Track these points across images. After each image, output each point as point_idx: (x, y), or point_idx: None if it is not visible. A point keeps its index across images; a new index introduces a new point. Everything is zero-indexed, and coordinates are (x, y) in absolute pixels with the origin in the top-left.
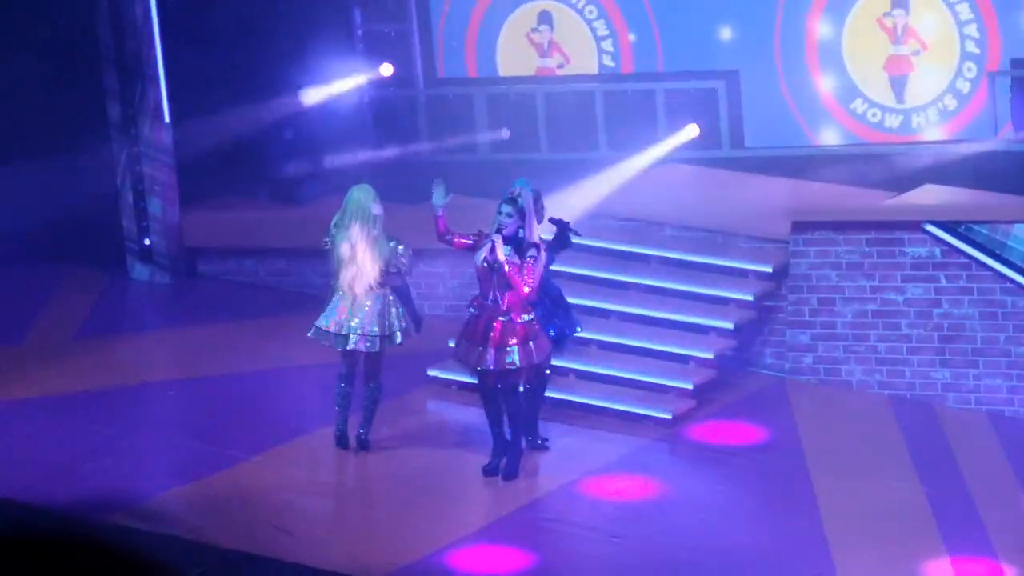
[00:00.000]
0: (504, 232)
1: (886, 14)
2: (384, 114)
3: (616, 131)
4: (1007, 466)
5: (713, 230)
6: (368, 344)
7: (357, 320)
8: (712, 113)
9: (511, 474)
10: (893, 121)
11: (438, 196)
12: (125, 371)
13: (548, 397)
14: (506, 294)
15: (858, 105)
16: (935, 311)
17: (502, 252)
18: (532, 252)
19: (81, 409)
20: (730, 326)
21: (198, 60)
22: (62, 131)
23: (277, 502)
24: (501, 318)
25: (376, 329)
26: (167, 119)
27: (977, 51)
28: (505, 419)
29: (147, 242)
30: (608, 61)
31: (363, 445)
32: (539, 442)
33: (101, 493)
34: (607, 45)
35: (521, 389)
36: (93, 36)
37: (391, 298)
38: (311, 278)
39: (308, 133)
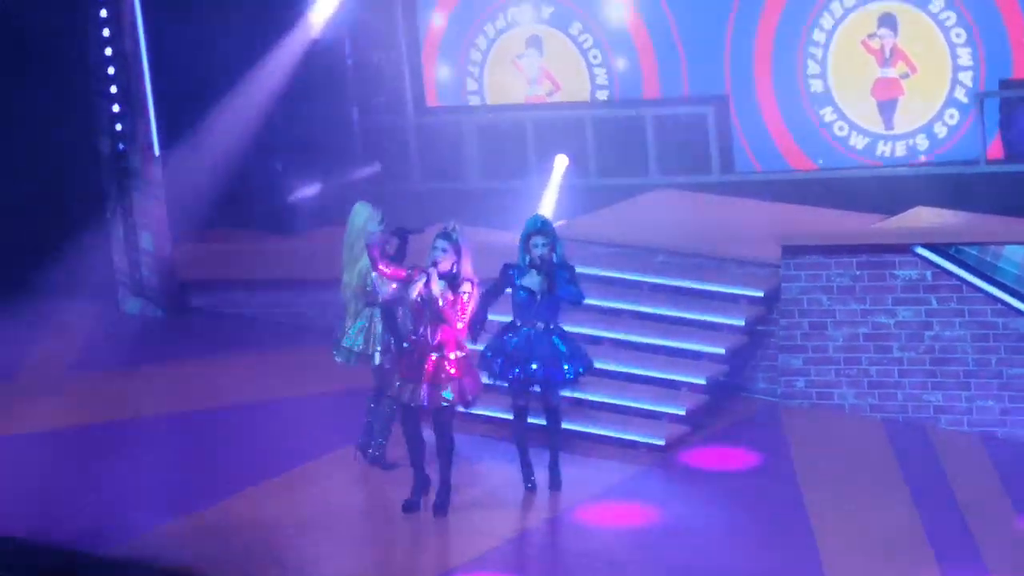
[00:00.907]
0: (439, 267)
1: (871, 36)
2: (374, 142)
3: (607, 158)
4: (1000, 488)
5: (704, 255)
6: (345, 359)
7: (349, 335)
8: (702, 139)
9: (441, 510)
10: (882, 144)
11: (372, 225)
12: (118, 405)
13: (540, 424)
14: (439, 329)
15: (846, 129)
16: (926, 333)
17: (437, 287)
18: (466, 287)
19: (75, 443)
20: (722, 351)
21: (189, 93)
22: (52, 165)
23: (270, 535)
24: (434, 354)
25: (359, 346)
26: (157, 152)
27: (968, 72)
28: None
29: (138, 276)
30: (601, 87)
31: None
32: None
33: (95, 527)
34: (599, 72)
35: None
36: (85, 70)
37: (375, 318)
38: (303, 308)
39: (298, 163)
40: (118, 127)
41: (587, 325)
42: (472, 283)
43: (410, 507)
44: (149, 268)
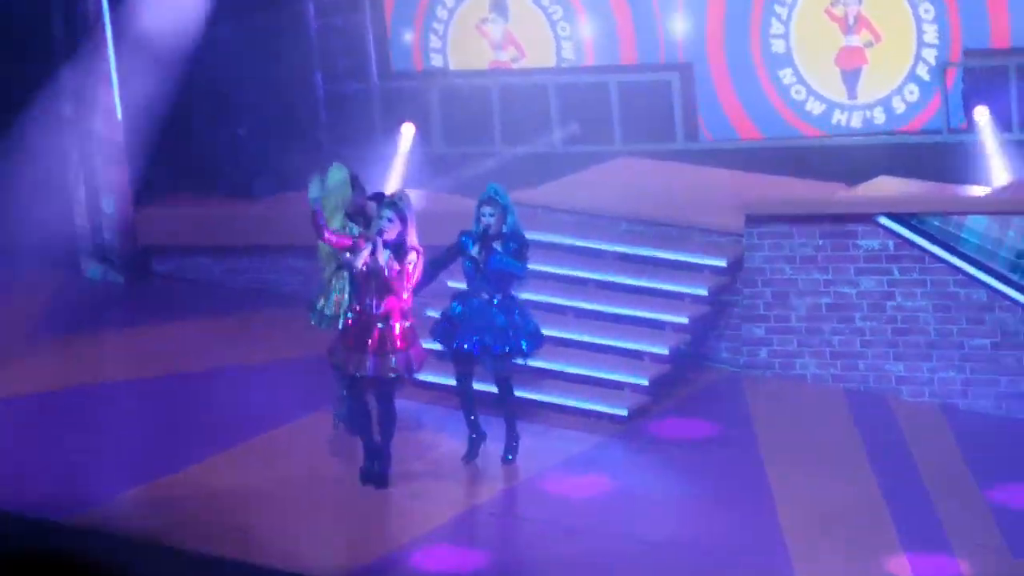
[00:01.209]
0: (384, 236)
1: (834, 3)
2: (337, 107)
3: (571, 125)
4: (961, 459)
5: (667, 224)
6: (317, 323)
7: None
8: (666, 106)
9: (382, 481)
10: (846, 113)
11: (314, 190)
12: (79, 371)
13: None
14: (385, 299)
15: (810, 98)
16: (888, 304)
17: (382, 256)
18: (412, 257)
19: (35, 411)
20: (685, 320)
21: (151, 56)
22: (13, 128)
23: (235, 502)
24: (379, 324)
25: (331, 310)
26: (119, 116)
27: (934, 41)
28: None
29: (100, 240)
30: (567, 53)
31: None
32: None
33: (58, 495)
34: (564, 36)
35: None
36: (45, 33)
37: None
38: (268, 274)
39: (262, 128)
40: (80, 91)
41: (549, 293)
42: (418, 252)
43: (367, 476)
44: (111, 232)
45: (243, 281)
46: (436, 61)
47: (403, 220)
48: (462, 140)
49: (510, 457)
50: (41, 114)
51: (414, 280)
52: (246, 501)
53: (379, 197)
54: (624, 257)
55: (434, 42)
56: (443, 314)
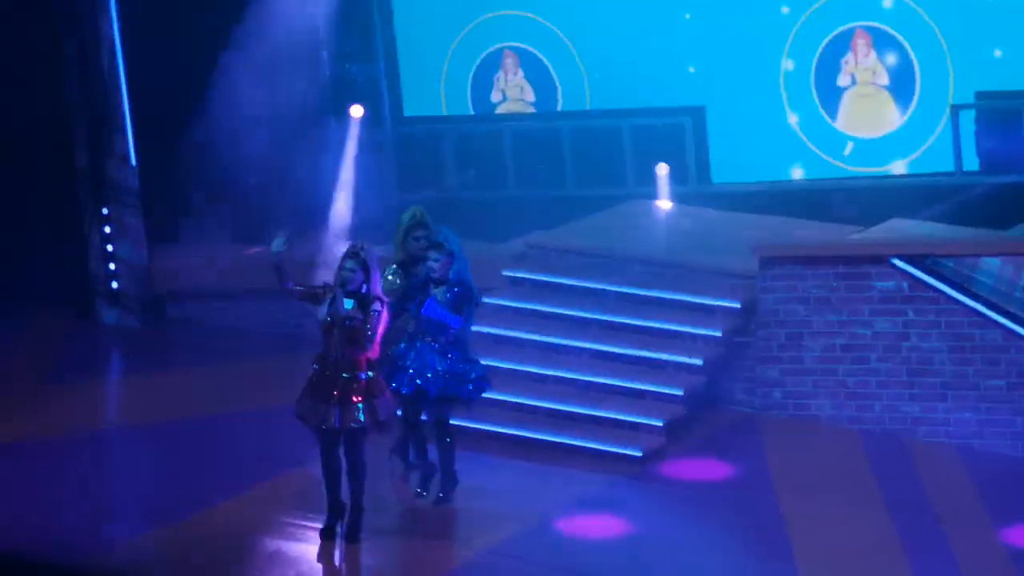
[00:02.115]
0: (348, 286)
1: (850, 50)
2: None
3: (584, 168)
4: (977, 500)
5: (681, 265)
6: None
7: None
8: (679, 149)
9: (354, 537)
10: (858, 157)
11: (277, 244)
12: (96, 415)
13: (518, 435)
14: (349, 350)
15: (823, 141)
16: (903, 345)
17: (345, 307)
18: (376, 307)
19: (52, 454)
20: (699, 362)
21: (166, 105)
22: (28, 176)
23: (248, 545)
24: (344, 375)
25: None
26: (133, 163)
27: (941, 85)
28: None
29: (115, 286)
30: (578, 97)
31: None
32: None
33: (73, 538)
34: (576, 80)
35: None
36: (59, 81)
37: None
38: (281, 319)
39: (275, 175)
40: (94, 138)
41: (564, 335)
42: (382, 301)
43: (328, 533)
44: (125, 278)
45: (258, 326)
46: (449, 107)
47: (366, 270)
48: (475, 184)
49: (442, 495)
50: (56, 162)
51: (379, 330)
52: (257, 545)
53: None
54: (638, 299)
55: (447, 88)
56: (391, 353)
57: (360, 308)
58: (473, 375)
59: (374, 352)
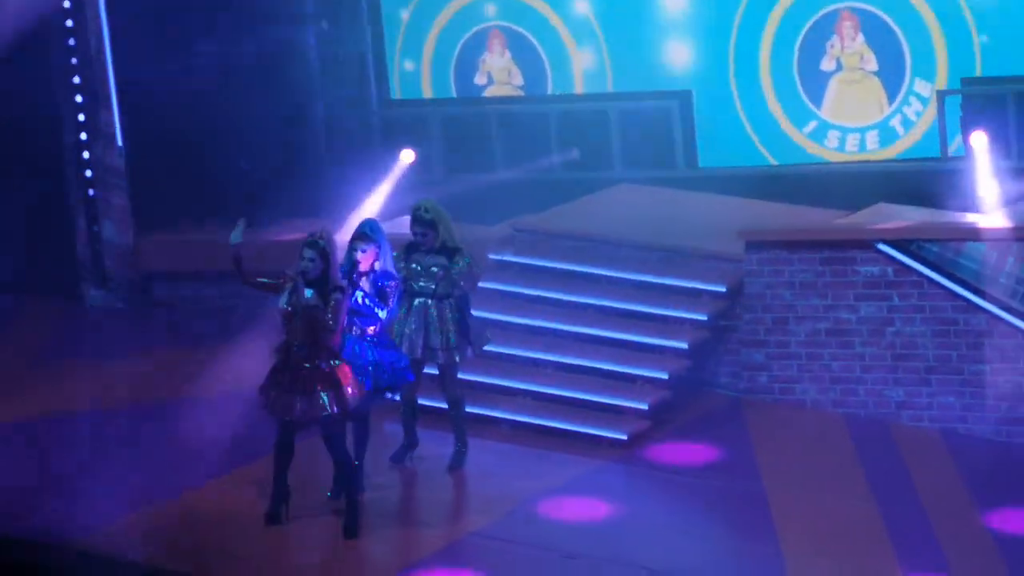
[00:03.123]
0: (308, 275)
1: (835, 33)
2: (338, 136)
3: (571, 151)
4: (961, 484)
5: (668, 250)
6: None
7: None
8: (666, 133)
9: (351, 532)
10: (844, 141)
11: (235, 235)
12: (80, 397)
13: (502, 418)
14: (311, 339)
15: (810, 125)
16: (888, 329)
17: (305, 296)
18: (337, 295)
19: (37, 436)
20: (685, 346)
21: (153, 85)
22: (14, 156)
23: (231, 527)
24: (306, 364)
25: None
26: (120, 143)
27: (933, 69)
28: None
29: (101, 267)
30: (567, 81)
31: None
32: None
33: (56, 519)
34: (564, 64)
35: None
36: (46, 60)
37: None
38: (267, 302)
39: (264, 156)
40: (81, 118)
41: (550, 319)
42: (342, 291)
43: (272, 519)
44: (112, 259)
45: (244, 307)
46: (436, 90)
47: (325, 258)
48: (463, 167)
49: (330, 495)
50: (43, 142)
51: (340, 319)
52: (241, 527)
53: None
54: (624, 283)
55: (435, 71)
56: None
57: (320, 297)
58: (400, 363)
59: (336, 340)
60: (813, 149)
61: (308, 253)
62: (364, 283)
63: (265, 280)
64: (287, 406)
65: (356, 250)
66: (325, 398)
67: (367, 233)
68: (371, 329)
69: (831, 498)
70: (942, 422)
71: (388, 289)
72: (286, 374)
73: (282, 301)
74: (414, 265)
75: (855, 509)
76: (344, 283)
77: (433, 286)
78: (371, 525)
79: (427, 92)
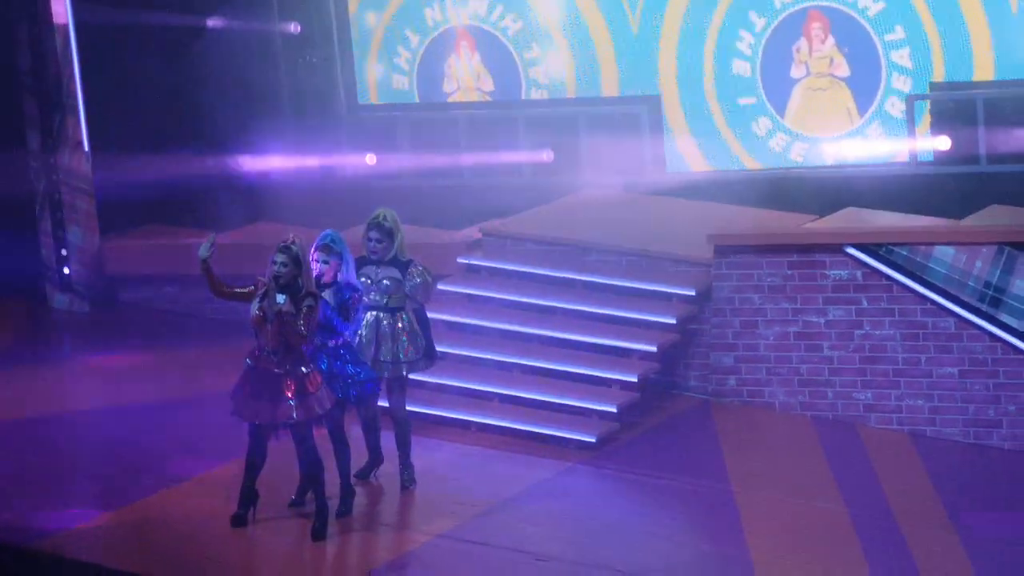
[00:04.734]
0: (280, 280)
1: (803, 36)
2: (307, 140)
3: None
4: (929, 486)
5: (636, 254)
6: None
7: None
8: (635, 138)
9: (319, 535)
10: (813, 145)
11: (204, 248)
12: (44, 400)
13: (472, 421)
14: (282, 345)
15: (777, 129)
16: (856, 332)
17: (277, 302)
18: (309, 301)
19: (2, 438)
20: (654, 349)
21: (119, 90)
22: None
23: (198, 529)
24: (277, 370)
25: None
26: (87, 148)
27: (902, 75)
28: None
29: (66, 271)
30: (536, 86)
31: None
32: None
33: (24, 521)
34: (533, 69)
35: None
36: (11, 65)
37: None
38: (234, 305)
39: (229, 158)
40: (47, 123)
41: (519, 322)
42: (315, 296)
43: (239, 521)
44: (77, 263)
45: (209, 311)
46: (404, 95)
47: (298, 264)
48: (430, 172)
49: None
50: (7, 146)
51: (312, 325)
52: (207, 530)
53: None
54: (593, 286)
55: (402, 76)
56: None
57: (293, 303)
58: (362, 375)
59: (307, 346)
60: (781, 153)
61: (280, 258)
62: (327, 295)
63: (238, 290)
64: (256, 411)
65: (318, 262)
66: (293, 404)
67: (329, 245)
68: (331, 343)
69: (800, 500)
70: (910, 424)
71: (351, 302)
72: (256, 379)
73: (253, 307)
74: (364, 279)
75: (824, 511)
76: (316, 290)
77: (385, 299)
78: (339, 528)
79: (396, 96)
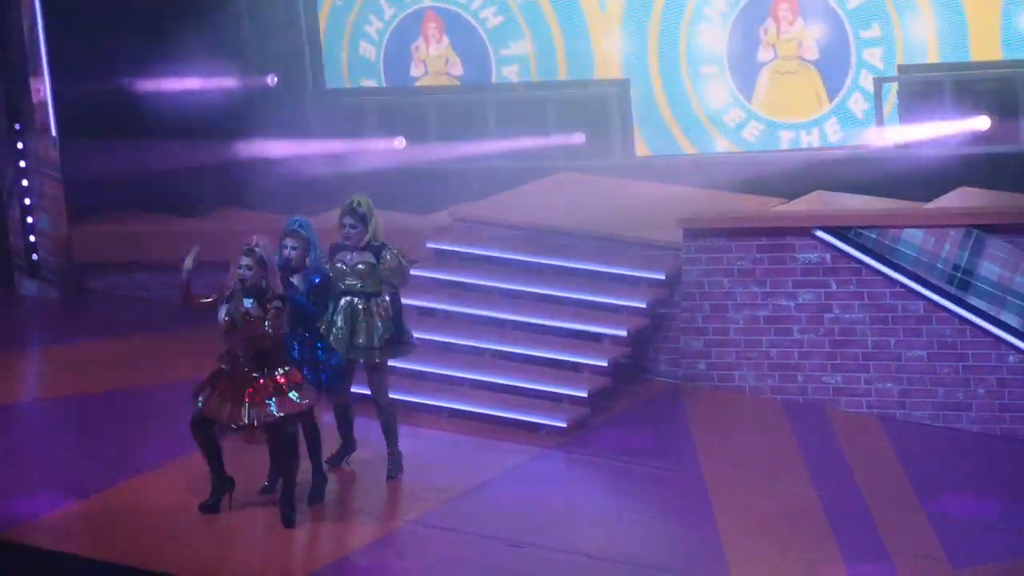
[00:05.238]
0: (246, 283)
1: (770, 17)
2: (273, 124)
3: (508, 140)
4: (899, 469)
5: (606, 238)
6: None
7: None
8: (603, 121)
9: (290, 522)
10: (779, 128)
11: (188, 261)
12: (15, 388)
13: (442, 407)
14: (253, 348)
15: (745, 112)
16: (826, 316)
17: (244, 306)
18: (276, 303)
19: None
20: (624, 333)
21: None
22: None
23: (171, 517)
24: (255, 374)
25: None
26: (54, 134)
27: (870, 57)
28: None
29: (35, 257)
30: (505, 70)
31: None
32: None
33: None
34: (502, 53)
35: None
36: None
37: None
38: (204, 291)
39: (198, 145)
40: (14, 109)
41: (488, 307)
42: (283, 299)
43: (209, 508)
44: (46, 249)
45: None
46: (372, 79)
47: (263, 266)
48: (400, 157)
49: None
50: None
51: (279, 326)
52: (175, 518)
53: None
54: (562, 271)
55: (370, 60)
56: None
57: (260, 306)
58: (332, 361)
59: (280, 348)
60: (749, 137)
61: (245, 261)
62: (296, 280)
63: (203, 301)
64: (234, 414)
65: (286, 247)
66: (272, 403)
67: (296, 230)
68: (300, 329)
69: (770, 484)
70: (880, 408)
71: (320, 286)
72: (230, 383)
73: (220, 313)
74: (340, 264)
75: (794, 495)
76: (283, 292)
77: (360, 284)
78: (310, 515)
79: (364, 80)
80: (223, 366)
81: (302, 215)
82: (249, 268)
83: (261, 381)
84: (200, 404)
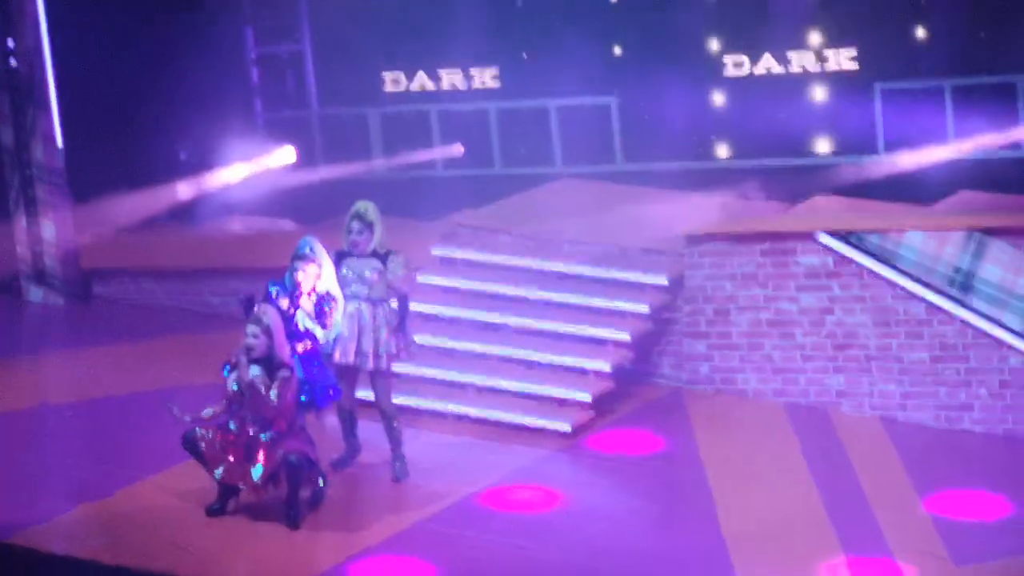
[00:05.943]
0: (253, 353)
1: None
2: (278, 133)
3: (512, 147)
4: (901, 470)
5: (609, 243)
6: None
7: None
8: (606, 128)
9: (295, 524)
10: (782, 136)
11: (180, 413)
12: (22, 394)
13: (449, 411)
14: (263, 415)
15: (747, 119)
16: (828, 319)
17: (248, 373)
18: (284, 372)
19: None
20: (627, 337)
21: (93, 84)
22: None
23: (176, 520)
24: (262, 436)
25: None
26: (60, 143)
27: (867, 63)
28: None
29: (41, 265)
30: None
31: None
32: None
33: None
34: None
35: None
36: None
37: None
38: (208, 298)
39: (203, 155)
40: (20, 118)
41: (493, 312)
42: (291, 368)
43: (215, 512)
44: (52, 257)
45: (185, 304)
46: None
47: (269, 335)
48: (404, 164)
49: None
50: None
51: (286, 397)
52: (182, 521)
53: (248, 303)
54: (566, 276)
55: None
56: None
57: (267, 374)
58: (328, 380)
59: (291, 415)
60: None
61: (252, 329)
62: (305, 302)
63: (217, 410)
64: (246, 475)
65: (296, 270)
66: (292, 458)
67: (306, 253)
68: (300, 347)
69: (772, 485)
70: (882, 410)
71: (328, 308)
72: (240, 449)
73: (229, 382)
74: (346, 271)
75: (797, 496)
76: (290, 361)
77: (367, 290)
78: (315, 517)
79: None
80: (232, 427)
81: (309, 235)
82: (255, 336)
83: (265, 442)
84: (219, 472)
